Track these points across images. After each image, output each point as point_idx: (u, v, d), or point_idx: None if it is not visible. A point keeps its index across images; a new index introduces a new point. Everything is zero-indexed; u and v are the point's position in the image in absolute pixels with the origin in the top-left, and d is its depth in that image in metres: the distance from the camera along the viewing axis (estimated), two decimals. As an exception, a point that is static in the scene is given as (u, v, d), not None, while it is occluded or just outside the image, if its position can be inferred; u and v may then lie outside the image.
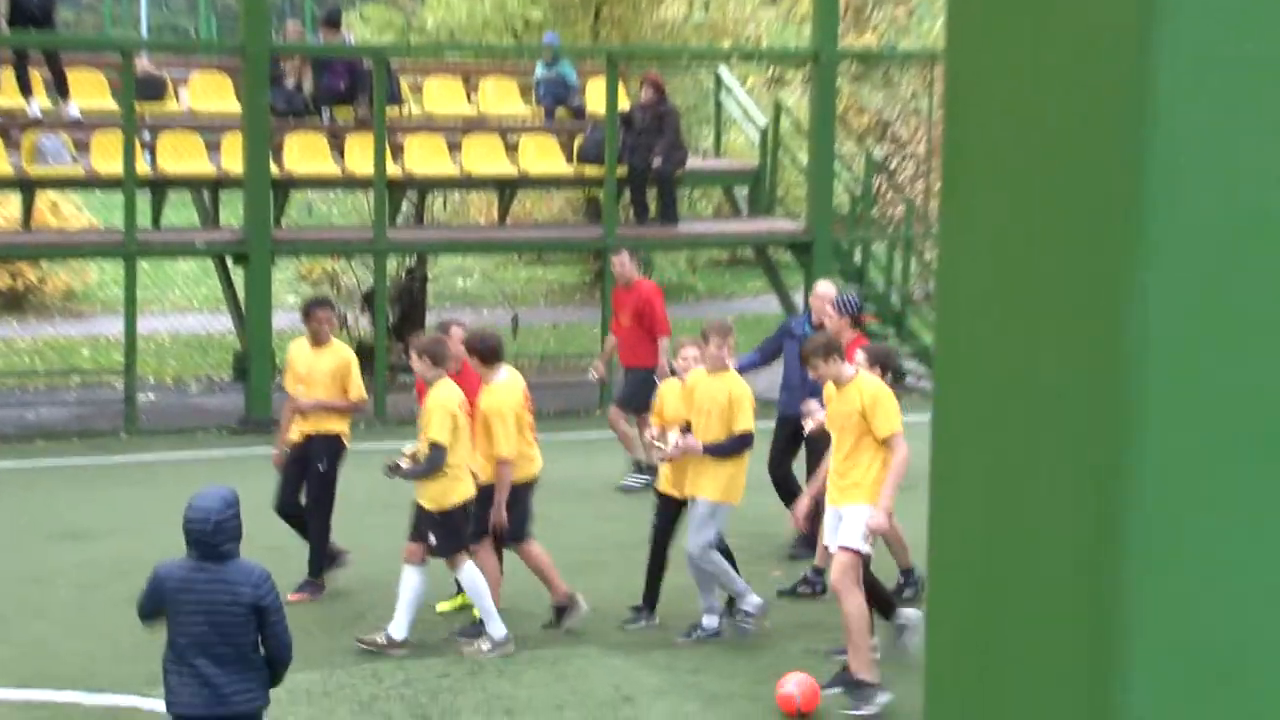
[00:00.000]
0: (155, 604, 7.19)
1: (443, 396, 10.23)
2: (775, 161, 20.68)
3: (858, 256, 20.35)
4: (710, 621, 10.71)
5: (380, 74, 17.49)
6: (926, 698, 1.86)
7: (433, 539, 10.21)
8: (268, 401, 16.41)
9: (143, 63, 17.90)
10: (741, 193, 21.04)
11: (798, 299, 19.74)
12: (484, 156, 18.87)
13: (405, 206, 20.48)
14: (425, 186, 19.94)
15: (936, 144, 24.14)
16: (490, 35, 22.95)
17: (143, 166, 17.09)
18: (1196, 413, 1.50)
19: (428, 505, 10.23)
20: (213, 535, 7.05)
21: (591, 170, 18.77)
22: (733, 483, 10.56)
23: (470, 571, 10.28)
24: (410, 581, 10.32)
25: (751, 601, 10.74)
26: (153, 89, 17.86)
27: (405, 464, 10.29)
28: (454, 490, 10.23)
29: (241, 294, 17.93)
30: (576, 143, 19.10)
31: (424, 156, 18.60)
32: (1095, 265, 1.53)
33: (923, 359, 20.12)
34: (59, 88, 17.29)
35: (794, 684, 9.54)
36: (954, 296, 1.78)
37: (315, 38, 19.99)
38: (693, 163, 20.05)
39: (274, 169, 17.39)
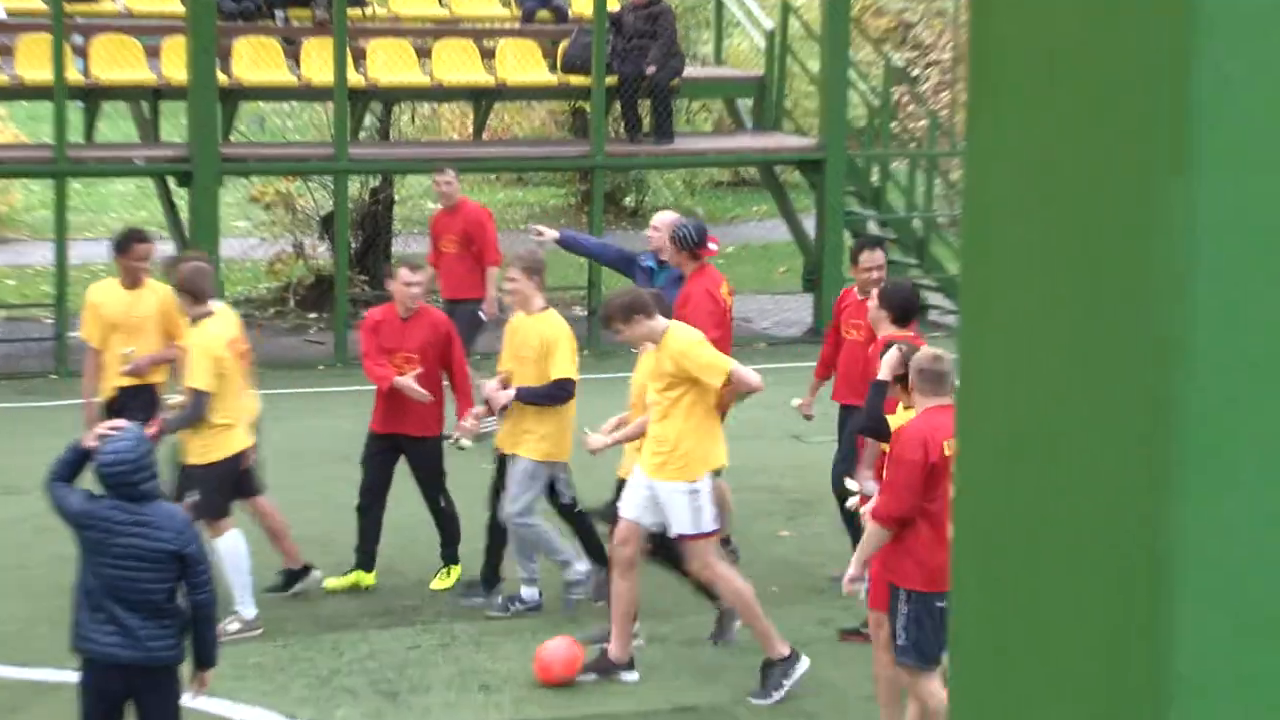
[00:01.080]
0: (68, 516, 7.30)
1: (205, 338, 9.98)
2: (783, 70, 20.59)
3: (875, 176, 20.30)
4: (530, 593, 10.54)
5: (340, -30, 17.39)
6: (952, 652, 1.86)
7: (190, 497, 9.94)
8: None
9: (73, -43, 17.80)
10: (745, 105, 20.94)
11: (808, 224, 19.71)
12: (457, 64, 18.81)
13: (369, 120, 20.39)
14: (391, 98, 19.90)
15: (964, 49, 23.99)
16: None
17: (74, 74, 17.01)
18: (1248, 340, 1.49)
19: (191, 460, 10.01)
20: (133, 474, 7.17)
21: (577, 79, 18.71)
22: (556, 439, 10.34)
23: (232, 540, 10.07)
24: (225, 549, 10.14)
25: (577, 570, 10.57)
26: (84, -13, 17.81)
27: (169, 415, 10.07)
28: (222, 443, 10.02)
29: (186, 219, 17.86)
30: (560, 48, 19.01)
31: (389, 64, 18.54)
32: (1140, 179, 1.52)
33: (948, 292, 20.12)
34: (-22, -15, 17.21)
35: (551, 653, 9.58)
36: (982, 220, 1.75)
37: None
38: (690, 71, 19.98)
39: (221, 77, 17.31)
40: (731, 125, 21.79)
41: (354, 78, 17.91)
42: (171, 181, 18.26)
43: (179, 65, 17.19)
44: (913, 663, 8.18)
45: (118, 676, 7.27)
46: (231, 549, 10.04)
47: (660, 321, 9.43)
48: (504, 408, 10.27)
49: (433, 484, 10.93)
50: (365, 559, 10.87)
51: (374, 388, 10.88)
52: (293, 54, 18.24)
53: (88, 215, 22.17)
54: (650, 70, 18.46)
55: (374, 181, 20.31)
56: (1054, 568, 1.65)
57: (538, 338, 10.29)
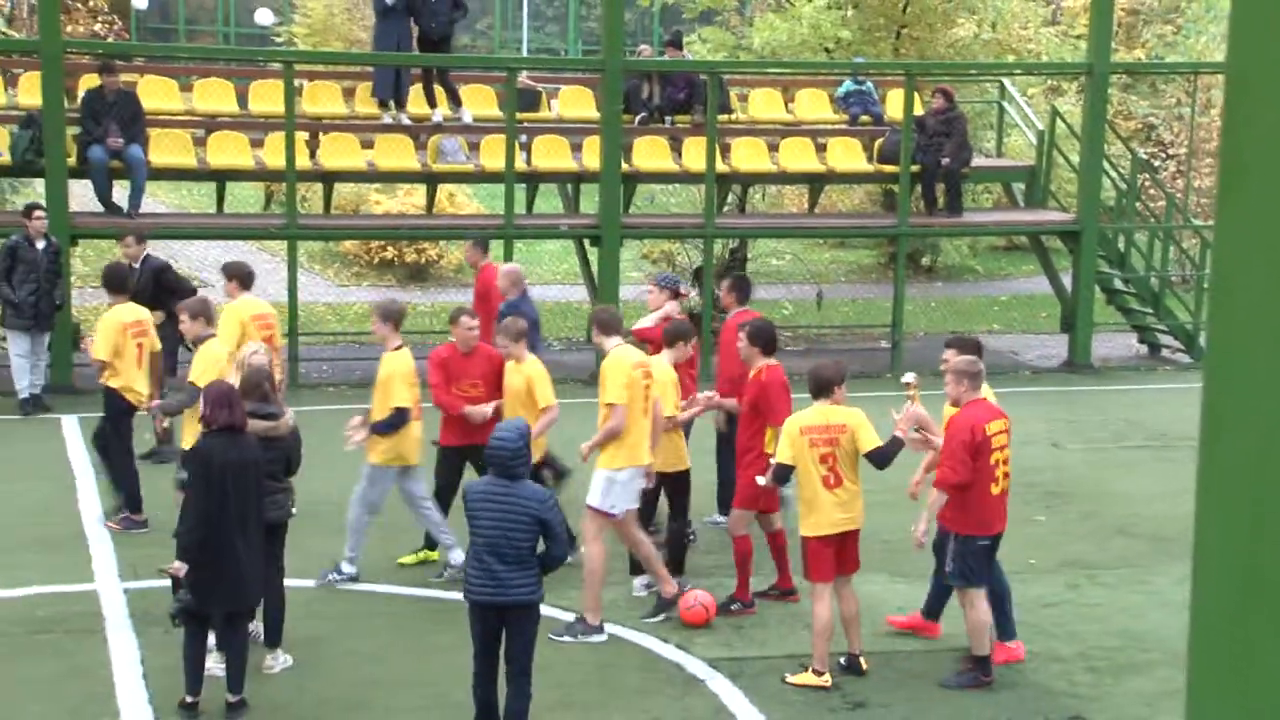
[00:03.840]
0: (469, 514, 7.50)
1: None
2: (1050, 160, 20.03)
3: (1121, 244, 19.55)
4: (348, 568, 10.10)
5: (713, 86, 17.58)
6: (1191, 668, 1.79)
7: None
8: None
9: (523, 78, 18.36)
10: (1019, 188, 20.43)
11: (1065, 280, 19.10)
12: (798, 156, 18.80)
13: (730, 197, 20.54)
14: (748, 181, 19.93)
15: (1197, 146, 22.91)
16: (806, 53, 22.74)
17: (520, 164, 17.46)
18: None
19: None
20: (510, 459, 7.32)
21: (889, 168, 18.51)
22: (395, 448, 9.79)
23: None
24: None
25: (346, 569, 10.01)
26: (530, 100, 18.31)
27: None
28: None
29: (595, 269, 18.26)
30: (876, 144, 18.86)
31: (747, 156, 18.62)
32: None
33: (1177, 335, 19.28)
34: (453, 99, 17.92)
35: (696, 599, 9.47)
36: (1228, 283, 1.68)
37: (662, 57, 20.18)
38: (977, 161, 19.60)
39: (625, 166, 17.61)
40: (1007, 203, 21.26)
41: (721, 166, 18.03)
42: (586, 242, 18.69)
43: (594, 157, 17.54)
44: (961, 584, 8.52)
45: (492, 614, 7.37)
46: None
47: (606, 341, 9.46)
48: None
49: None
50: (430, 541, 10.47)
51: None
52: (676, 148, 18.47)
53: (526, 266, 22.78)
54: (945, 161, 18.17)
55: (733, 243, 20.46)
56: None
57: (385, 371, 9.88)
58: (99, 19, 30.35)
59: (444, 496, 10.38)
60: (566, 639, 9.16)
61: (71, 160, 15.97)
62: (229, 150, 17.17)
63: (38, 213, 14.80)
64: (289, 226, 16.81)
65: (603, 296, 17.57)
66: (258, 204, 24.24)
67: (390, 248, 22.97)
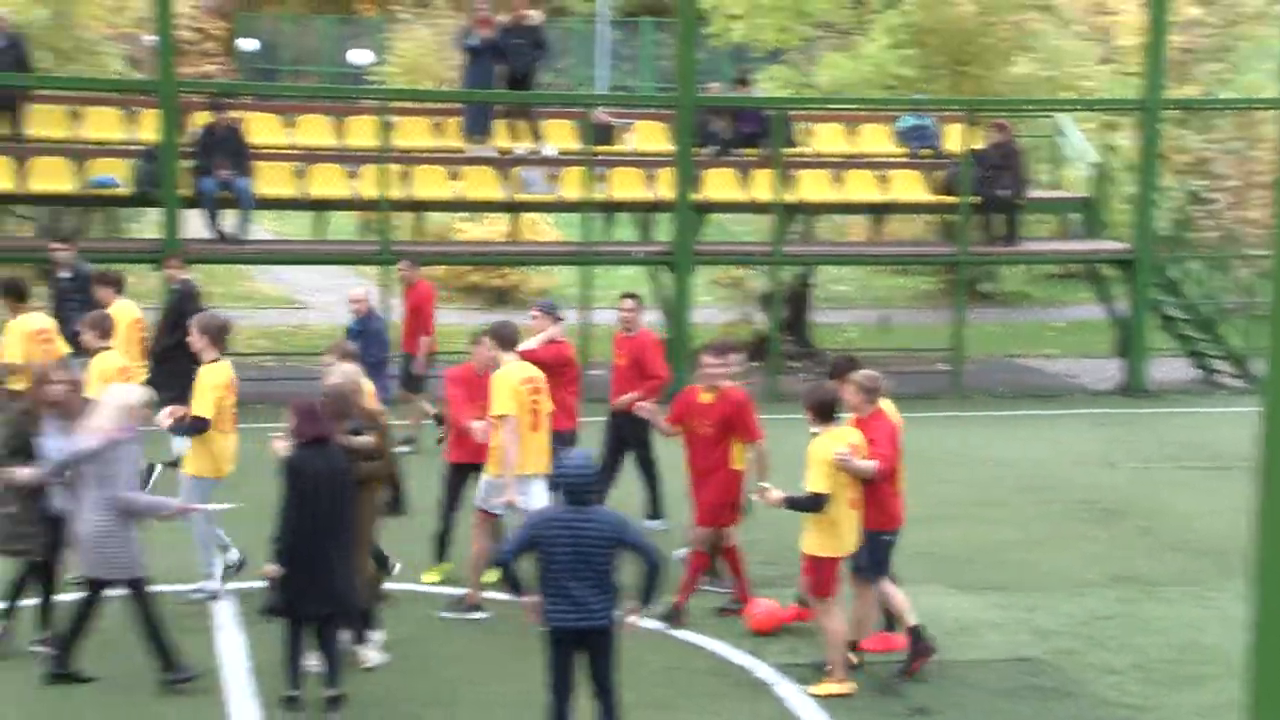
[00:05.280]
0: (531, 545, 7.02)
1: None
2: (1105, 192, 19.76)
3: (1174, 272, 19.23)
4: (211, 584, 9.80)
5: (780, 121, 17.57)
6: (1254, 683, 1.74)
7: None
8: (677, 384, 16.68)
9: (600, 114, 18.46)
10: (1075, 218, 20.18)
11: (1120, 307, 18.83)
12: (861, 187, 18.73)
13: (797, 226, 20.50)
14: (813, 211, 19.88)
15: (1249, 179, 22.52)
16: (869, 90, 22.66)
17: (598, 194, 17.56)
18: None
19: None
20: (587, 487, 7.03)
21: (948, 198, 18.36)
22: (207, 460, 9.48)
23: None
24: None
25: (208, 586, 9.74)
26: (607, 134, 18.41)
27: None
28: None
29: (669, 295, 18.27)
30: (936, 177, 18.73)
31: (813, 187, 18.57)
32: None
33: (1231, 360, 18.93)
34: (534, 133, 18.05)
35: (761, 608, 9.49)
36: None
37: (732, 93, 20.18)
38: (1034, 193, 19.40)
39: (696, 196, 17.61)
40: (1063, 232, 21.03)
41: (788, 196, 18.00)
42: (660, 268, 18.70)
43: (669, 188, 17.57)
44: (871, 577, 8.60)
45: (573, 638, 7.08)
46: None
47: (502, 356, 9.51)
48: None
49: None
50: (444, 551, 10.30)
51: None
52: (745, 180, 18.49)
53: (603, 290, 22.88)
54: (1003, 193, 18.00)
55: (800, 270, 20.39)
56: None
57: (199, 381, 9.51)
58: (211, 60, 30.92)
59: (447, 509, 10.23)
60: (448, 614, 9.56)
61: (185, 191, 16.30)
62: (328, 181, 17.44)
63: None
64: (383, 252, 16.99)
65: (675, 320, 17.60)
66: (353, 231, 24.52)
67: (476, 273, 23.13)
